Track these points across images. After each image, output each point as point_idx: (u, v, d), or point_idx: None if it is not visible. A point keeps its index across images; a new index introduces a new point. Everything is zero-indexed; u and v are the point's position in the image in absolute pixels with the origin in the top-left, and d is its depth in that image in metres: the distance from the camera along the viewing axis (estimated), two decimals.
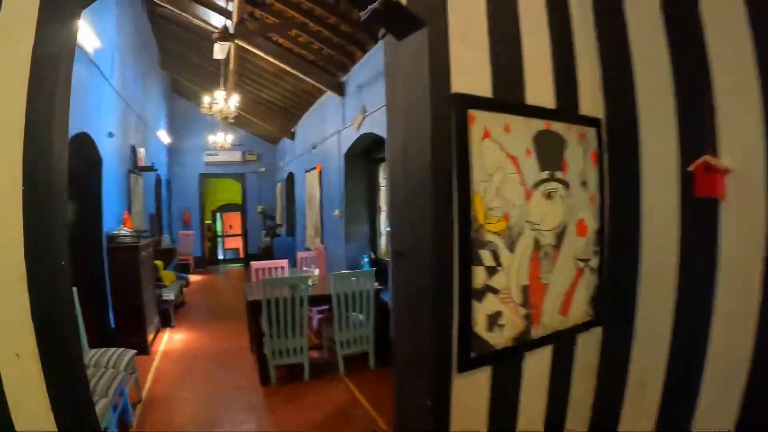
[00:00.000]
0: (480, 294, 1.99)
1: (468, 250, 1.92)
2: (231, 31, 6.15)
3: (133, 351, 4.04)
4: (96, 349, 3.91)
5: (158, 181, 10.04)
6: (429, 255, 1.84)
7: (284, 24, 6.19)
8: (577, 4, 2.50)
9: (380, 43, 5.53)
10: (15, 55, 1.56)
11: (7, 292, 1.51)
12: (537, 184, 2.25)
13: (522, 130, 2.19)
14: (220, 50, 6.21)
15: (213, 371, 5.25)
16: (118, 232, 5.50)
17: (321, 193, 8.63)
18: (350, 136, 6.89)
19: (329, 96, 7.78)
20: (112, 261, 5.38)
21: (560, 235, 2.39)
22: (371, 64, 5.97)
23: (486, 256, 2.00)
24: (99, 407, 3.08)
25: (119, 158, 6.27)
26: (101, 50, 5.09)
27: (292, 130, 11.13)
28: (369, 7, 1.83)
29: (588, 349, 2.60)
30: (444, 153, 1.84)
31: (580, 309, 2.52)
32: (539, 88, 2.33)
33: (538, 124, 2.28)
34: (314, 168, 8.99)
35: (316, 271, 5.80)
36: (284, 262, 6.39)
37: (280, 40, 6.88)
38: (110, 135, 5.65)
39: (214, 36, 5.98)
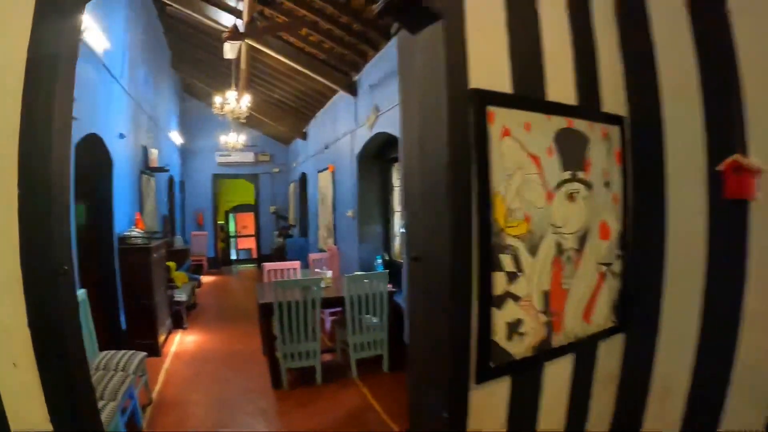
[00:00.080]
0: (500, 301, 1.89)
1: (488, 254, 1.82)
2: (241, 30, 6.10)
3: (144, 353, 4.02)
4: (106, 351, 3.89)
5: (171, 182, 10.04)
6: (447, 260, 1.74)
7: (295, 23, 6.12)
8: None
9: (393, 40, 5.45)
10: (8, 52, 1.48)
11: (1, 299, 1.44)
12: (559, 185, 2.14)
13: (543, 128, 2.08)
14: (230, 49, 6.16)
15: (224, 374, 5.21)
16: (129, 233, 5.47)
17: (334, 193, 8.58)
18: (363, 136, 6.81)
19: (341, 95, 7.72)
20: (123, 262, 5.35)
21: (583, 239, 2.27)
22: (384, 62, 5.89)
23: (506, 261, 1.90)
24: (107, 411, 3.06)
25: (130, 159, 6.25)
26: (111, 51, 5.06)
27: (305, 130, 11.09)
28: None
29: (610, 356, 2.50)
30: (462, 152, 1.74)
31: (602, 315, 2.41)
32: (560, 84, 2.22)
33: (560, 122, 2.17)
34: (327, 168, 8.93)
35: (329, 273, 5.73)
36: (296, 264, 6.33)
37: (291, 40, 6.83)
38: (121, 136, 5.62)
39: (224, 35, 5.94)
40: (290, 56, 6.96)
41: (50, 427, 1.56)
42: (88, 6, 3.99)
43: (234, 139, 10.66)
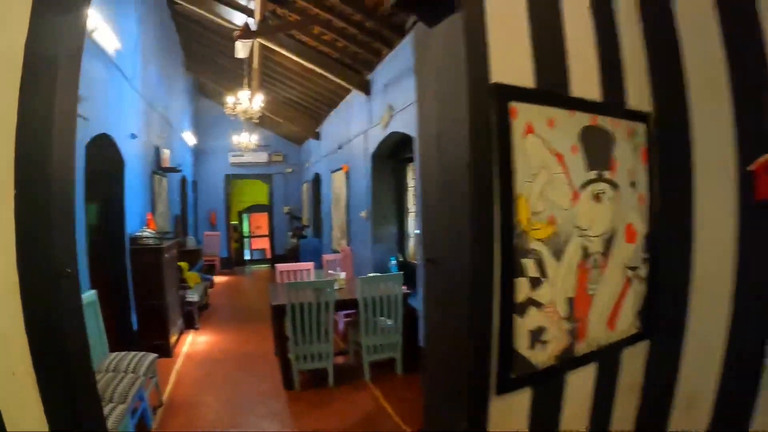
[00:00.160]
0: (522, 308, 1.79)
1: (510, 259, 1.71)
2: (253, 28, 6.04)
3: (154, 355, 3.98)
4: (116, 353, 3.86)
5: (183, 182, 10.04)
6: (466, 265, 1.63)
7: (306, 20, 6.04)
8: None
9: (407, 38, 5.38)
10: (4, 48, 1.41)
11: None
12: (584, 185, 2.03)
13: (567, 125, 1.97)
14: (242, 48, 6.10)
15: (236, 375, 5.16)
16: (140, 233, 5.44)
17: (347, 193, 8.51)
18: (377, 136, 6.73)
19: (355, 95, 7.65)
20: (134, 263, 5.33)
21: (609, 242, 2.17)
22: (398, 60, 5.80)
23: (530, 265, 1.79)
24: (116, 414, 3.01)
25: (142, 159, 6.23)
26: (122, 51, 5.04)
27: (318, 130, 11.04)
28: None
29: (633, 364, 2.39)
30: (484, 150, 1.64)
31: (626, 321, 2.30)
32: (584, 78, 2.11)
33: (584, 119, 2.06)
34: (340, 168, 8.87)
35: (342, 275, 5.65)
36: (310, 265, 6.27)
37: (304, 39, 6.77)
38: (133, 136, 5.60)
39: (235, 33, 5.88)
40: (303, 55, 6.89)
41: None
42: (98, 6, 4.01)
43: (247, 139, 10.64)
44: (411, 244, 6.87)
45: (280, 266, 6.23)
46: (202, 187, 13.31)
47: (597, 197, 2.11)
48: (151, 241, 5.44)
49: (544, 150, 1.85)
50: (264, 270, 13.94)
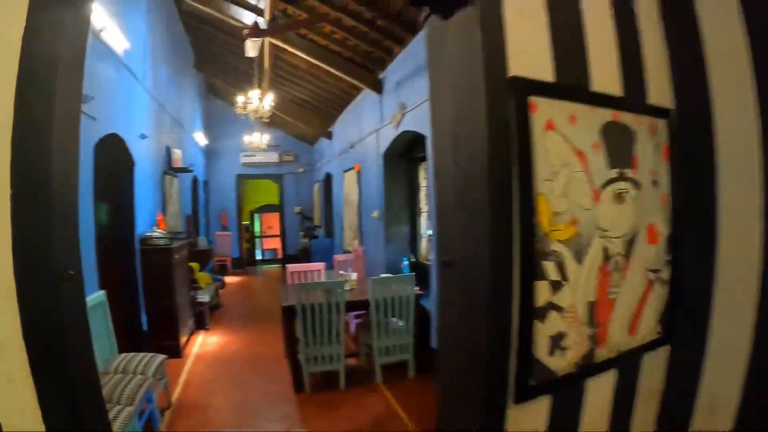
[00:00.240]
0: (542, 313, 1.70)
1: (530, 261, 1.63)
2: (262, 27, 5.99)
3: (163, 356, 3.94)
4: (125, 354, 3.83)
5: (195, 182, 10.03)
6: (484, 268, 1.55)
7: (316, 19, 5.98)
8: None
9: (419, 35, 5.31)
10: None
11: None
12: (606, 184, 1.95)
13: (588, 121, 1.89)
14: (252, 47, 6.06)
15: (246, 376, 5.12)
16: (151, 233, 5.41)
17: (359, 193, 8.44)
18: (389, 135, 6.66)
19: (366, 94, 7.58)
20: (144, 263, 5.30)
21: (630, 243, 2.08)
22: (410, 58, 5.72)
23: (550, 268, 1.71)
24: (123, 416, 2.98)
25: (153, 160, 6.21)
26: (131, 51, 5.01)
27: (329, 129, 10.99)
28: None
29: (654, 370, 2.30)
30: (502, 147, 1.56)
31: (648, 326, 2.21)
32: (604, 72, 2.02)
33: (605, 115, 1.98)
34: (352, 168, 8.81)
35: (354, 275, 5.58)
36: (321, 266, 6.21)
37: (315, 38, 6.71)
38: (143, 136, 5.57)
39: (245, 32, 5.83)
40: (314, 54, 6.84)
41: None
42: (106, 5, 3.97)
43: (258, 139, 10.61)
44: (423, 244, 6.80)
45: (291, 267, 6.18)
46: (214, 188, 13.33)
47: (619, 197, 2.02)
48: (161, 242, 5.40)
49: (564, 147, 1.76)
50: (275, 270, 13.92)
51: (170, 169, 7.19)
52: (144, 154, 5.67)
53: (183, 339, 5.73)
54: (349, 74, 7.09)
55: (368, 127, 7.71)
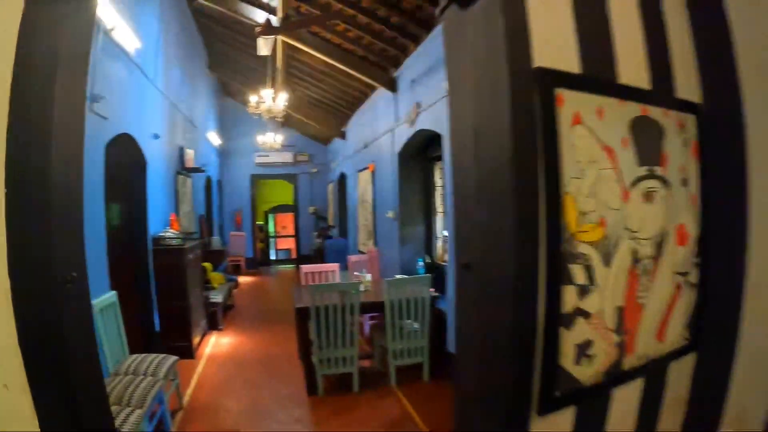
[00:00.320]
0: (569, 319, 1.60)
1: (557, 265, 1.52)
2: (275, 24, 5.94)
3: (175, 357, 3.90)
4: (136, 355, 3.80)
5: (209, 182, 10.03)
6: (508, 271, 1.45)
7: (329, 16, 5.91)
8: None
9: (434, 32, 5.23)
10: None
11: None
12: (635, 182, 1.83)
13: (617, 116, 1.78)
14: (264, 45, 6.00)
15: (258, 378, 5.07)
16: (164, 234, 5.38)
17: (374, 193, 8.38)
18: (404, 134, 6.58)
19: (381, 92, 7.51)
20: (157, 263, 5.27)
21: (659, 245, 1.96)
22: (425, 56, 5.63)
23: (577, 272, 1.60)
24: (133, 418, 2.94)
25: (166, 160, 6.18)
26: (143, 50, 4.98)
27: (343, 129, 10.95)
28: None
29: (680, 378, 2.19)
30: (527, 142, 1.45)
31: (675, 332, 2.10)
32: (631, 64, 1.90)
33: (634, 109, 1.86)
34: (366, 168, 8.75)
35: (368, 276, 5.50)
36: (335, 266, 6.15)
37: (329, 36, 6.65)
38: (155, 136, 5.54)
39: (257, 30, 5.78)
40: (328, 53, 6.79)
41: None
42: (117, 5, 3.93)
43: (272, 139, 10.59)
44: (439, 245, 6.70)
45: (305, 267, 6.12)
46: (228, 188, 13.35)
47: (648, 196, 1.91)
48: (174, 242, 5.37)
49: (592, 142, 1.65)
50: (289, 270, 13.91)
51: (183, 169, 7.17)
52: (157, 154, 5.64)
53: (195, 340, 5.69)
54: (363, 73, 7.02)
55: (383, 126, 7.63)
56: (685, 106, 2.11)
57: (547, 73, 1.53)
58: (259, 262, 14.14)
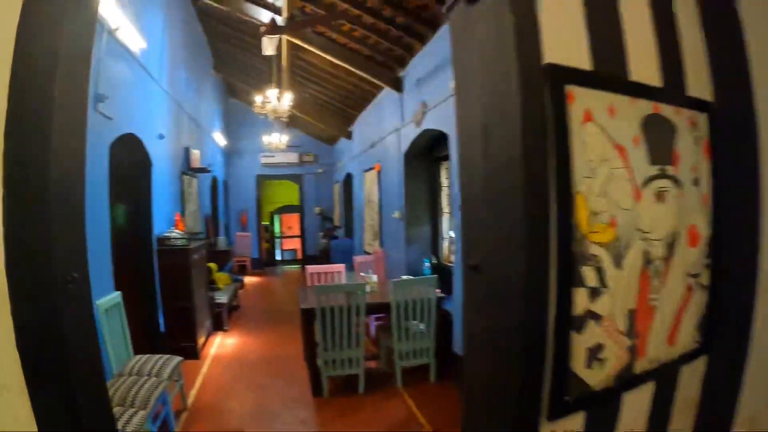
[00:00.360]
0: (580, 323, 1.56)
1: (568, 266, 1.49)
2: (280, 24, 5.92)
3: (179, 358, 3.88)
4: (140, 356, 3.78)
5: (214, 182, 10.02)
6: (518, 273, 1.41)
7: (333, 15, 5.88)
8: None
9: (440, 32, 5.19)
10: None
11: None
12: (646, 182, 1.79)
13: (628, 114, 1.74)
14: (269, 44, 5.97)
15: (263, 379, 5.04)
16: (169, 234, 5.36)
17: (380, 193, 8.34)
18: (410, 134, 6.54)
19: (387, 93, 7.48)
20: (162, 263, 5.24)
21: (671, 246, 1.92)
22: (431, 56, 5.59)
23: (588, 274, 1.56)
24: (136, 419, 2.91)
25: (171, 160, 6.17)
26: (148, 51, 4.96)
27: (349, 129, 10.92)
28: None
29: (691, 381, 2.14)
30: (538, 141, 1.41)
31: (687, 335, 2.05)
32: (643, 60, 1.87)
33: (646, 107, 1.82)
34: (372, 168, 8.72)
35: (374, 277, 5.47)
36: (341, 267, 6.11)
37: (334, 36, 6.62)
38: (160, 137, 5.52)
39: (262, 29, 5.75)
40: (333, 53, 6.75)
41: None
42: (121, 5, 3.92)
43: (277, 139, 10.57)
44: (445, 245, 6.66)
45: (310, 268, 6.09)
46: (234, 188, 13.35)
47: (659, 196, 1.86)
48: (179, 242, 5.35)
49: (604, 141, 1.61)
50: (295, 271, 13.90)
51: (189, 169, 7.15)
52: (162, 155, 5.62)
53: (200, 340, 5.67)
54: (369, 73, 6.99)
55: (388, 126, 7.60)
56: (696, 104, 2.07)
57: (557, 70, 1.50)
58: (264, 263, 14.13)
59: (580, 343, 1.58)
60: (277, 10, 6.52)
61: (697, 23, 2.10)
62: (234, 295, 7.97)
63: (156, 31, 5.56)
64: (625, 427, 1.89)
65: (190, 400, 4.34)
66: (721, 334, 2.12)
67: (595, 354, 1.63)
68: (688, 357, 2.09)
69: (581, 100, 1.54)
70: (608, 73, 1.71)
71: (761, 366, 2.01)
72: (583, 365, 1.60)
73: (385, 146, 7.92)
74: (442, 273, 5.71)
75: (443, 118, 5.26)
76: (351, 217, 11.81)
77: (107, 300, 3.56)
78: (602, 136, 1.61)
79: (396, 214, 7.19)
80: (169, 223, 5.77)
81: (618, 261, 1.66)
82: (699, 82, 2.10)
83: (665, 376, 2.02)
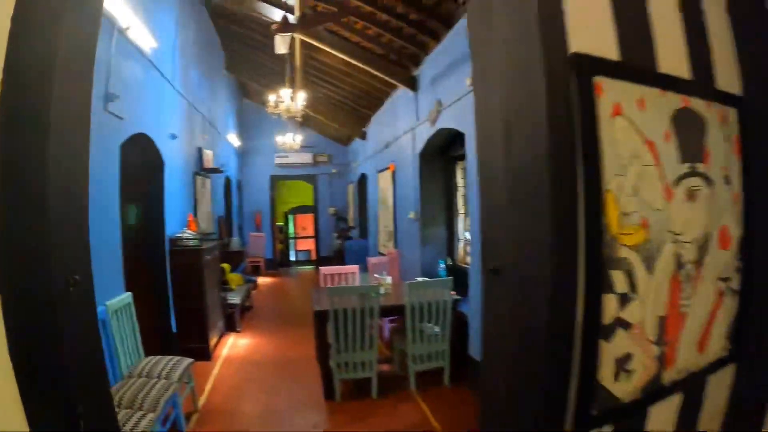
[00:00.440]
0: (609, 331, 1.46)
1: (597, 271, 1.38)
2: (292, 22, 5.86)
3: (190, 360, 3.83)
4: (150, 357, 3.74)
5: (228, 183, 10.00)
6: (544, 277, 1.31)
7: (346, 12, 5.80)
8: None
9: (455, 28, 5.10)
10: None
11: None
12: (678, 180, 1.68)
13: (658, 107, 1.63)
14: (281, 42, 5.91)
15: (275, 382, 4.97)
16: (181, 234, 5.32)
17: (394, 194, 8.25)
18: (424, 133, 6.44)
19: (401, 92, 7.39)
20: (174, 264, 5.19)
21: (702, 248, 1.81)
22: (445, 54, 5.49)
23: (618, 279, 1.46)
24: (144, 422, 2.86)
25: (184, 160, 6.12)
26: (160, 51, 4.92)
27: (364, 129, 10.85)
28: None
29: (718, 391, 2.06)
30: (565, 135, 1.31)
31: (716, 343, 1.96)
32: (670, 51, 1.77)
33: (676, 100, 1.72)
34: (387, 168, 8.63)
35: (389, 279, 5.37)
36: (355, 268, 6.02)
37: (347, 35, 6.55)
38: (173, 137, 5.48)
39: (274, 27, 5.70)
40: (346, 52, 6.68)
41: None
42: (132, 5, 3.88)
43: (291, 139, 10.53)
44: (460, 247, 6.55)
45: (324, 269, 6.01)
46: (247, 188, 13.34)
47: (691, 195, 1.76)
48: (191, 243, 5.30)
49: (634, 136, 1.51)
50: (309, 271, 13.85)
51: (202, 169, 7.12)
52: (174, 155, 5.58)
53: (213, 341, 5.62)
54: (383, 71, 6.90)
55: (403, 125, 7.50)
56: (726, 98, 1.97)
57: (585, 60, 1.40)
58: (278, 263, 14.09)
59: (609, 352, 1.47)
60: (289, 9, 6.47)
61: (724, 13, 2.00)
62: (247, 296, 7.92)
63: (168, 31, 5.52)
64: None
65: (201, 401, 4.29)
66: (751, 342, 2.02)
67: (623, 364, 1.53)
68: (716, 366, 1.99)
69: (610, 92, 1.44)
70: (637, 63, 1.60)
71: None
72: (610, 376, 1.50)
73: (399, 146, 7.82)
74: (458, 274, 5.60)
75: (459, 117, 5.15)
76: (365, 218, 11.73)
77: (117, 301, 3.52)
78: (632, 130, 1.51)
79: (411, 215, 7.10)
80: (181, 223, 5.73)
81: (649, 265, 1.56)
82: (728, 75, 2.01)
83: (693, 387, 1.93)
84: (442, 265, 6.17)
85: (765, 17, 1.92)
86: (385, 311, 4.67)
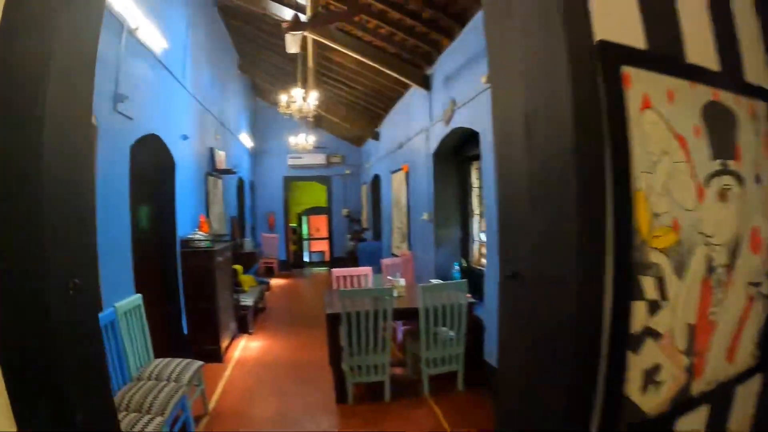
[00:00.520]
0: (637, 341, 1.36)
1: (626, 276, 1.28)
2: (302, 20, 5.80)
3: (200, 363, 3.78)
4: (160, 359, 3.70)
5: (240, 184, 9.98)
6: (568, 284, 1.21)
7: (357, 10, 5.72)
8: None
9: (469, 26, 5.00)
10: None
11: None
12: (709, 179, 1.58)
13: (688, 100, 1.53)
14: (293, 42, 5.85)
15: (287, 384, 4.90)
16: (192, 236, 5.28)
17: (408, 195, 8.16)
18: (438, 133, 6.35)
19: (414, 91, 7.30)
20: (186, 265, 5.16)
21: (734, 252, 1.70)
22: (459, 51, 5.40)
23: (648, 285, 1.36)
24: (153, 426, 2.80)
25: (195, 161, 6.09)
26: (170, 51, 4.89)
27: (377, 129, 10.78)
28: None
29: (746, 402, 1.94)
30: (592, 129, 1.21)
31: (745, 351, 1.84)
32: (698, 41, 1.65)
33: (705, 93, 1.61)
34: (400, 169, 8.55)
35: (402, 281, 5.29)
36: (368, 270, 5.94)
37: (359, 34, 6.48)
38: (184, 137, 5.45)
39: (285, 25, 5.64)
40: (358, 51, 6.61)
41: None
42: (142, 5, 3.84)
43: (304, 140, 10.49)
44: (475, 248, 6.44)
45: (336, 271, 5.94)
46: (260, 189, 13.32)
47: (722, 194, 1.65)
48: (203, 244, 5.26)
49: (664, 130, 1.41)
50: (323, 273, 13.80)
51: (214, 170, 7.09)
52: (186, 156, 5.55)
53: (224, 343, 5.57)
54: (396, 71, 6.82)
55: (416, 126, 7.41)
56: (756, 91, 1.86)
57: (611, 48, 1.30)
58: (292, 264, 14.07)
59: (637, 364, 1.37)
60: (301, 8, 6.42)
61: (750, 3, 1.89)
62: (260, 298, 7.88)
63: (178, 32, 5.49)
64: None
65: (212, 404, 4.24)
66: None
67: (651, 376, 1.43)
68: (744, 376, 1.88)
69: (639, 83, 1.34)
70: (663, 52, 1.50)
71: None
72: (638, 389, 1.40)
73: (413, 146, 7.73)
74: (473, 277, 5.50)
75: (474, 116, 5.05)
76: (379, 219, 11.65)
77: (127, 302, 3.48)
78: (662, 124, 1.40)
79: (425, 216, 7.00)
80: (193, 224, 5.70)
81: (680, 270, 1.45)
82: (756, 67, 1.89)
83: (721, 398, 1.81)
84: (457, 267, 6.07)
85: None
86: (399, 314, 4.58)
